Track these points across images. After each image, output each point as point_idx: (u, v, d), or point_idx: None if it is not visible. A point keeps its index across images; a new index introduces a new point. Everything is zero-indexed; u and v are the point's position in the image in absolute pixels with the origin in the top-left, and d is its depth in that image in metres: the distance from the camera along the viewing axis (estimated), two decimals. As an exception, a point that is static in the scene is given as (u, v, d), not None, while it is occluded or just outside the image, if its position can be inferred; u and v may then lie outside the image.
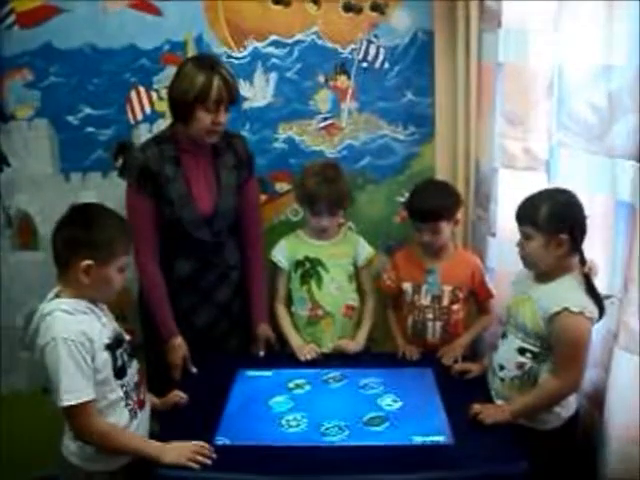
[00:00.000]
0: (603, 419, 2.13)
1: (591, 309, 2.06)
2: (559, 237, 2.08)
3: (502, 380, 2.22)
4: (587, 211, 2.12)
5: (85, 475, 1.98)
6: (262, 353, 2.64)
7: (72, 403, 1.84)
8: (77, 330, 1.86)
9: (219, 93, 2.34)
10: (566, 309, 2.04)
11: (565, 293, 2.09)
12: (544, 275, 2.17)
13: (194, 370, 2.49)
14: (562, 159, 2.36)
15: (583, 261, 2.12)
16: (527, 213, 2.16)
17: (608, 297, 2.12)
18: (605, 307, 2.10)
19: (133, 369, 2.05)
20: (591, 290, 2.10)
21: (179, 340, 2.49)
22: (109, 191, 2.78)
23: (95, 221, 1.96)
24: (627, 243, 2.06)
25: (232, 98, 2.41)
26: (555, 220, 2.09)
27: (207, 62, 2.41)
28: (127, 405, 2.00)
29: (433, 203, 2.52)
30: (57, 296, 1.94)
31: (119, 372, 1.97)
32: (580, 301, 2.06)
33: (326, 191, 2.56)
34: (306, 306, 2.66)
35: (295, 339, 2.63)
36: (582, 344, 2.07)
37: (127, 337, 2.08)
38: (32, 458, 2.85)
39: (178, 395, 2.25)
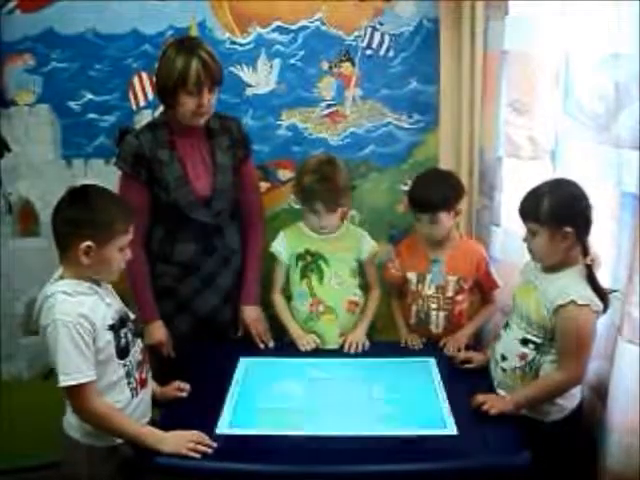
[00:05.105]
0: (606, 410, 2.12)
1: (596, 302, 2.05)
2: (564, 230, 2.06)
3: (504, 370, 2.21)
4: (592, 201, 2.10)
5: (85, 450, 2.00)
6: (240, 334, 2.65)
7: (68, 384, 1.86)
8: (77, 312, 1.88)
9: (198, 76, 2.32)
10: (572, 302, 2.03)
11: (571, 285, 2.07)
12: (551, 266, 2.15)
13: (173, 355, 2.55)
14: (568, 149, 2.34)
15: (586, 252, 2.10)
16: (529, 209, 2.14)
17: (613, 291, 2.11)
18: (609, 300, 2.09)
19: (137, 348, 2.07)
20: (593, 282, 2.08)
21: (160, 323, 2.54)
22: (111, 178, 2.75)
23: (93, 202, 1.97)
24: (632, 234, 2.04)
25: (214, 80, 2.38)
26: (558, 214, 2.07)
27: (186, 45, 2.38)
28: (129, 384, 2.02)
29: (432, 194, 2.50)
30: (60, 278, 1.96)
31: (122, 352, 1.99)
32: (586, 294, 2.05)
33: (322, 189, 2.50)
34: (306, 301, 2.62)
35: (295, 329, 2.60)
36: (587, 337, 2.06)
37: (132, 316, 2.10)
38: (32, 445, 2.85)
39: (179, 388, 2.24)
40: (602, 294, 2.07)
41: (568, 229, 2.06)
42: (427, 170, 2.75)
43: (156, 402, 2.18)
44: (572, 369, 2.08)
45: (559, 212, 2.07)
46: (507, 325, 2.26)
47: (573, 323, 2.04)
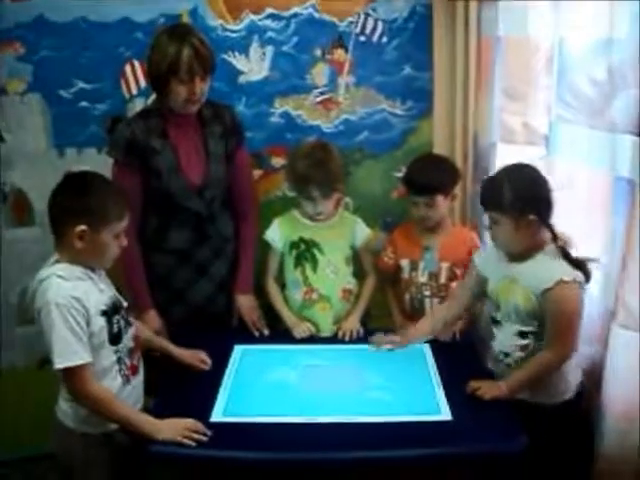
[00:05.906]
0: (601, 396, 2.13)
1: (579, 274, 2.04)
2: (527, 218, 2.04)
3: (509, 366, 2.18)
4: (586, 186, 2.10)
5: (79, 437, 2.00)
6: (234, 322, 2.65)
7: (63, 366, 1.86)
8: (71, 295, 1.88)
9: (189, 64, 2.30)
10: (558, 282, 2.02)
11: (552, 267, 2.06)
12: (518, 254, 2.14)
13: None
14: (562, 134, 2.34)
15: (555, 237, 2.09)
16: (490, 198, 2.12)
17: (592, 260, 2.09)
18: (590, 271, 2.07)
19: (129, 335, 2.07)
20: (569, 257, 2.07)
21: (154, 312, 2.53)
22: (104, 167, 2.74)
23: (89, 188, 1.97)
24: (626, 219, 2.05)
25: (206, 67, 2.36)
26: (520, 202, 2.04)
27: (178, 32, 2.37)
28: (120, 371, 2.02)
29: (429, 176, 2.50)
30: (56, 262, 1.96)
31: (114, 338, 1.99)
32: (568, 270, 2.04)
33: (317, 174, 2.47)
34: (300, 289, 2.60)
35: (289, 316, 2.60)
36: (576, 313, 2.06)
37: (125, 304, 2.10)
38: (28, 435, 2.85)
39: (202, 360, 2.29)
40: (582, 266, 2.06)
41: (532, 216, 2.04)
42: (422, 154, 2.76)
43: (153, 383, 2.17)
44: (561, 347, 2.07)
45: (522, 200, 2.04)
46: (497, 323, 2.23)
47: (563, 301, 2.04)
